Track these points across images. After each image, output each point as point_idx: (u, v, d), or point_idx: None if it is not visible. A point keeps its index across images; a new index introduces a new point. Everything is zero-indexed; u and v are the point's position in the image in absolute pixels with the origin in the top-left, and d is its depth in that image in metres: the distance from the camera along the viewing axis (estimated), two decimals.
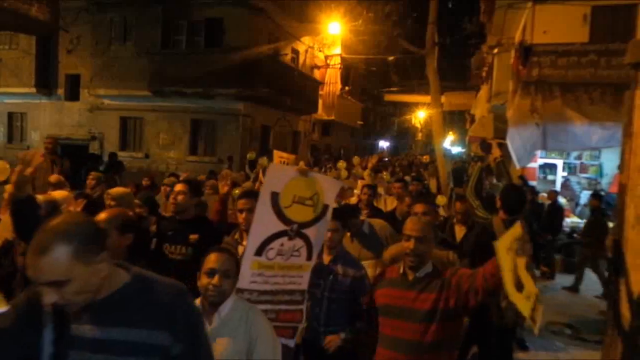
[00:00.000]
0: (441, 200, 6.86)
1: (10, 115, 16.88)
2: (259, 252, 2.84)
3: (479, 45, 16.42)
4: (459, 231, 4.72)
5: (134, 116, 15.49)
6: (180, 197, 3.46)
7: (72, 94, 16.06)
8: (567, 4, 8.77)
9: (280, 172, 3.06)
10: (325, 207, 3.08)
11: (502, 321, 3.48)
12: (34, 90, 15.91)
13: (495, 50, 12.48)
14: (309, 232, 3.01)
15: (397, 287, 2.61)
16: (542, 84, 7.67)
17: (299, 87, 16.39)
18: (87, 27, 15.25)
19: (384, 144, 34.97)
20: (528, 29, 9.43)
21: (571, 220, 10.03)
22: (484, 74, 16.44)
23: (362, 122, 26.28)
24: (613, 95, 7.09)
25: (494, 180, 5.60)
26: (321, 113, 20.04)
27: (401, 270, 2.65)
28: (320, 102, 19.39)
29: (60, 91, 16.15)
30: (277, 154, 7.18)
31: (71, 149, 14.83)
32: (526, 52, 7.88)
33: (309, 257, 3.05)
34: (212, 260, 2.21)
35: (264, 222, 2.84)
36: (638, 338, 2.75)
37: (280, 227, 2.89)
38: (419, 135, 40.77)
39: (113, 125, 15.64)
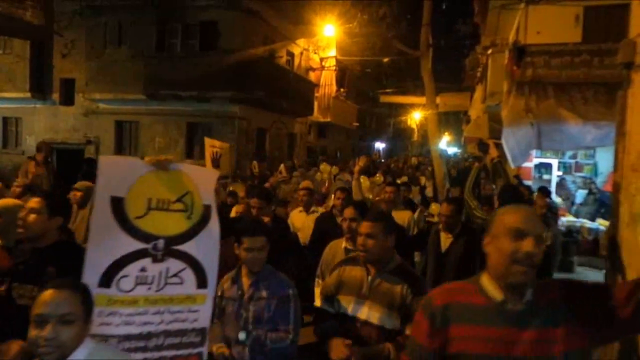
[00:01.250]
0: (435, 209, 6.74)
1: (5, 120, 16.81)
2: (105, 282, 2.07)
3: (473, 46, 16.50)
4: (445, 240, 4.20)
5: (130, 120, 15.45)
6: (32, 218, 2.40)
7: (67, 98, 16.01)
8: (559, 5, 8.83)
9: (121, 167, 2.21)
10: (207, 209, 2.32)
11: None
12: (28, 95, 15.85)
13: (489, 51, 12.52)
14: (190, 248, 2.24)
15: (491, 322, 1.55)
16: (536, 84, 7.71)
17: (294, 89, 16.40)
18: (81, 31, 15.21)
19: (380, 145, 35.00)
20: (521, 30, 9.48)
21: (567, 220, 10.07)
22: (478, 74, 16.51)
23: (357, 124, 26.31)
24: (606, 95, 7.13)
25: (493, 186, 5.53)
26: (317, 115, 20.06)
27: (495, 295, 1.58)
28: (315, 104, 19.42)
29: (55, 95, 16.10)
30: (208, 141, 6.68)
31: (67, 153, 14.79)
32: (520, 52, 7.92)
33: (200, 284, 2.27)
34: (41, 302, 1.57)
35: (105, 241, 2.08)
36: (635, 337, 2.77)
37: (134, 245, 2.13)
38: (415, 137, 40.84)
39: (108, 129, 15.60)
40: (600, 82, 7.32)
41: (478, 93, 16.24)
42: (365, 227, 2.44)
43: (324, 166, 9.86)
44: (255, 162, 11.41)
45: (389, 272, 2.46)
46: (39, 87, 16.01)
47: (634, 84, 2.95)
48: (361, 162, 5.50)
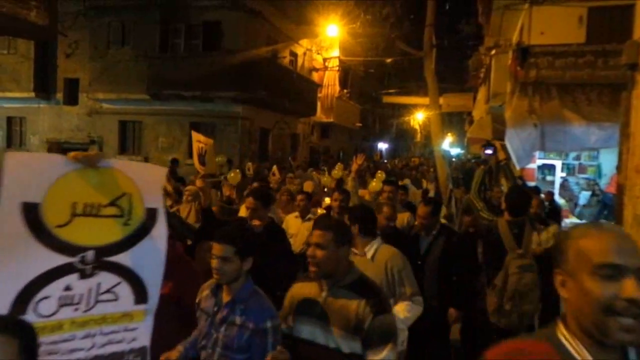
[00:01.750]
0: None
1: (10, 120, 16.88)
2: (18, 308, 1.69)
3: (476, 47, 16.45)
4: (423, 241, 4.05)
5: (133, 120, 15.49)
6: None
7: (71, 98, 16.06)
8: (563, 5, 8.80)
9: (34, 166, 1.78)
10: (150, 213, 1.99)
11: (503, 321, 3.47)
12: (32, 94, 15.92)
13: (493, 52, 12.50)
14: (126, 259, 1.93)
15: None
16: (540, 85, 7.70)
17: (297, 89, 16.41)
18: (85, 31, 15.27)
19: (383, 145, 34.97)
20: (525, 31, 9.46)
21: (570, 221, 10.03)
22: (481, 75, 16.48)
23: (360, 124, 26.31)
24: (610, 96, 7.13)
25: (502, 188, 5.39)
26: (320, 115, 20.06)
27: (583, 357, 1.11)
28: (318, 104, 19.42)
29: (59, 95, 16.16)
30: (195, 136, 6.00)
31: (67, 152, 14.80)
32: (524, 53, 7.91)
33: (139, 299, 1.98)
34: None
35: (16, 258, 1.69)
36: None
37: (55, 260, 1.77)
38: (418, 137, 40.80)
39: (112, 129, 15.65)
40: (605, 83, 7.31)
41: (481, 94, 16.21)
42: (314, 236, 2.15)
43: (337, 169, 9.45)
44: (249, 163, 11.29)
45: (345, 287, 2.12)
46: (43, 87, 16.08)
47: (639, 85, 2.94)
48: (359, 160, 5.03)
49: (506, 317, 3.44)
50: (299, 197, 5.50)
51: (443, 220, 5.93)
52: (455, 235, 4.24)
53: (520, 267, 3.42)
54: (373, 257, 3.05)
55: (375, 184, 7.29)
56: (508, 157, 7.60)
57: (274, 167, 9.75)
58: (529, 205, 3.99)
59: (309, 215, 5.32)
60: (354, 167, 5.10)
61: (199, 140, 5.99)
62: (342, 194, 4.77)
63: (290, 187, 7.25)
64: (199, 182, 4.32)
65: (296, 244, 5.05)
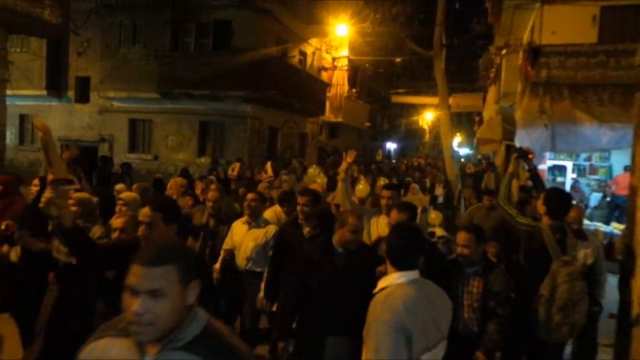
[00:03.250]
0: (436, 217, 6.14)
1: (22, 117, 17.07)
2: None
3: (486, 47, 16.37)
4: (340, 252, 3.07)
5: (143, 118, 15.61)
6: None
7: (82, 96, 16.22)
8: (575, 5, 8.73)
9: None
10: None
11: (554, 336, 3.27)
12: (44, 92, 16.10)
13: (503, 51, 12.44)
14: None
15: None
16: (551, 85, 7.64)
17: (306, 89, 16.43)
18: (97, 30, 15.40)
19: (391, 145, 34.89)
20: (536, 30, 9.40)
21: None
22: (491, 75, 16.39)
23: (369, 124, 26.27)
24: (622, 97, 7.06)
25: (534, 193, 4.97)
26: (328, 115, 20.06)
27: None
28: (327, 104, 19.41)
29: (71, 93, 16.32)
30: (33, 120, 4.93)
31: (81, 150, 14.93)
32: (534, 53, 7.85)
33: None
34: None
35: None
36: None
37: None
38: (427, 137, 40.65)
39: (122, 127, 15.78)
40: (617, 83, 7.24)
41: (491, 94, 16.12)
42: (135, 275, 1.30)
43: (312, 169, 8.36)
44: (236, 164, 10.90)
45: (181, 349, 1.35)
46: (55, 85, 16.24)
47: None
48: (349, 157, 4.12)
49: (556, 331, 3.23)
50: (249, 196, 4.39)
51: (441, 231, 5.50)
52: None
53: (570, 275, 3.23)
54: None
55: (362, 187, 6.49)
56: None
57: (267, 164, 9.35)
58: (570, 208, 3.74)
59: (259, 221, 4.31)
60: (343, 165, 4.13)
61: (36, 126, 4.03)
62: (307, 196, 4.02)
63: (267, 191, 6.56)
64: (47, 192, 2.30)
65: (239, 258, 4.19)
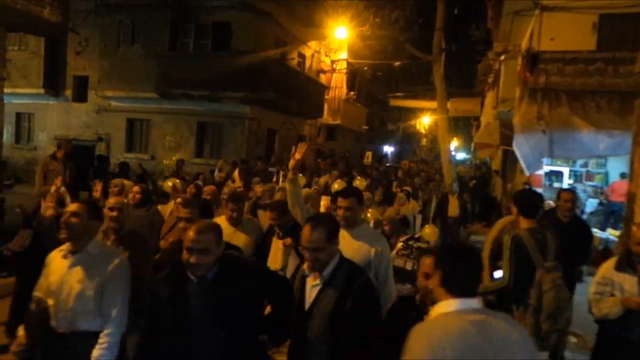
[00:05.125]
0: (430, 232, 5.32)
1: (18, 116, 17.00)
2: None
3: (485, 52, 16.43)
4: (311, 287, 2.58)
5: (141, 118, 15.57)
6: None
7: (80, 95, 16.16)
8: (574, 12, 8.78)
9: None
10: None
11: (544, 345, 3.24)
12: (42, 91, 16.03)
13: (502, 57, 12.49)
14: None
15: None
16: (549, 91, 7.69)
17: (305, 91, 16.44)
18: (95, 29, 15.35)
19: (388, 149, 34.93)
20: (535, 36, 9.43)
21: None
22: (490, 80, 16.44)
23: (367, 127, 26.29)
24: (620, 104, 7.11)
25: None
26: (327, 117, 20.08)
27: None
28: (325, 106, 19.43)
29: (68, 92, 16.26)
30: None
31: (78, 150, 14.90)
32: (533, 59, 7.91)
33: None
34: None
35: None
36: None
37: None
38: (424, 141, 40.74)
39: (120, 127, 15.73)
40: (614, 90, 7.30)
41: (489, 99, 16.18)
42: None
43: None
44: (221, 161, 10.03)
45: None
46: (53, 84, 16.18)
47: None
48: (300, 150, 3.39)
49: (546, 340, 3.20)
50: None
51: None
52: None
53: (554, 282, 3.20)
54: None
55: (337, 186, 6.14)
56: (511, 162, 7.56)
57: (235, 173, 8.11)
58: (540, 203, 3.84)
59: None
60: (291, 162, 3.42)
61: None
62: (276, 211, 4.11)
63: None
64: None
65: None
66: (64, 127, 16.25)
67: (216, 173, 10.02)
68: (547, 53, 8.14)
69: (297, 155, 3.39)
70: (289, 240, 4.04)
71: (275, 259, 4.22)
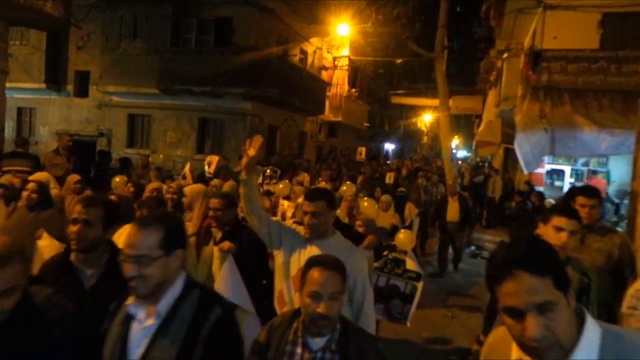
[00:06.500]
0: (406, 241, 4.60)
1: (20, 110, 17.00)
2: None
3: (487, 50, 16.40)
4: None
5: (142, 113, 15.56)
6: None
7: (81, 90, 16.16)
8: (578, 10, 8.75)
9: None
10: None
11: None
12: (43, 85, 16.02)
13: (505, 55, 12.46)
14: None
15: None
16: (552, 89, 7.68)
17: (306, 88, 16.42)
18: (97, 24, 15.34)
19: (390, 146, 34.94)
20: (538, 34, 9.42)
21: None
22: (492, 78, 16.41)
23: (368, 124, 26.29)
24: (623, 103, 7.10)
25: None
26: (328, 114, 20.06)
27: None
28: (327, 103, 19.41)
29: (70, 87, 16.25)
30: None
31: (79, 145, 14.92)
32: (536, 57, 7.88)
33: None
34: None
35: None
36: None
37: None
38: (425, 139, 40.76)
39: (121, 122, 15.73)
40: (617, 89, 7.28)
41: (491, 97, 16.15)
42: None
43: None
44: (213, 157, 8.89)
45: None
46: (54, 79, 16.17)
47: None
48: (254, 145, 2.68)
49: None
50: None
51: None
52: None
53: None
54: None
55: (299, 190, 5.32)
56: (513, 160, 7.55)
57: (186, 168, 7.51)
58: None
59: None
60: (244, 159, 2.72)
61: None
62: (223, 200, 3.47)
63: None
64: None
65: None
66: (65, 122, 16.26)
67: (206, 168, 9.39)
68: (549, 51, 8.12)
69: (251, 151, 2.65)
70: (227, 244, 3.22)
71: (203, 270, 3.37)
